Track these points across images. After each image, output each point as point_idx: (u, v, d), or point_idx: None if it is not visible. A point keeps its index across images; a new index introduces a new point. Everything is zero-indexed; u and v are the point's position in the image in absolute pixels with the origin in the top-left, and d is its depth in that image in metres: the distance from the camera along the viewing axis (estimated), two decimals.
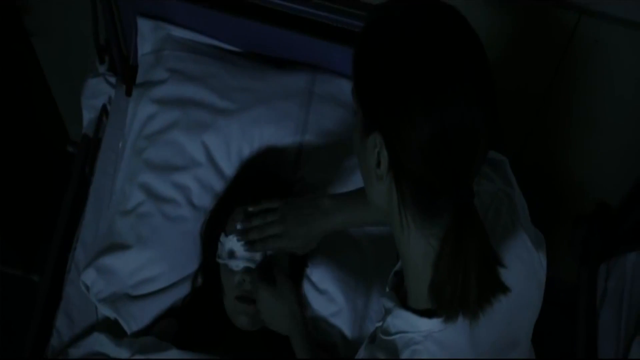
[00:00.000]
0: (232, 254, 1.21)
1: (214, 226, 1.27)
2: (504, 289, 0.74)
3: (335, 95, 1.41)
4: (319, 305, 1.27)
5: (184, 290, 1.30)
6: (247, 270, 1.20)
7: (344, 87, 1.42)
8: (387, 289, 0.87)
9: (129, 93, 1.47)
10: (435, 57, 0.71)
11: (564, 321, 1.60)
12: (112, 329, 1.28)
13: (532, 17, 1.32)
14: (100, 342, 1.25)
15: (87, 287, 1.31)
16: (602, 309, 1.50)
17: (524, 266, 0.83)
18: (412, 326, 0.77)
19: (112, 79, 1.56)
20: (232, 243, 1.21)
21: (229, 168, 1.35)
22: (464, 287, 0.72)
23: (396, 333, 0.78)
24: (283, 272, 1.18)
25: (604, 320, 1.48)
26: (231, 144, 1.35)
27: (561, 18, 1.30)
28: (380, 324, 0.83)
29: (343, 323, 1.27)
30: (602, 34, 1.31)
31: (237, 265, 1.20)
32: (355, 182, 1.32)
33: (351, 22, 1.34)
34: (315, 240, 1.14)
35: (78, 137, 1.97)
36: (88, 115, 1.59)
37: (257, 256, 1.20)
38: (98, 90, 1.56)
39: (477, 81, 0.72)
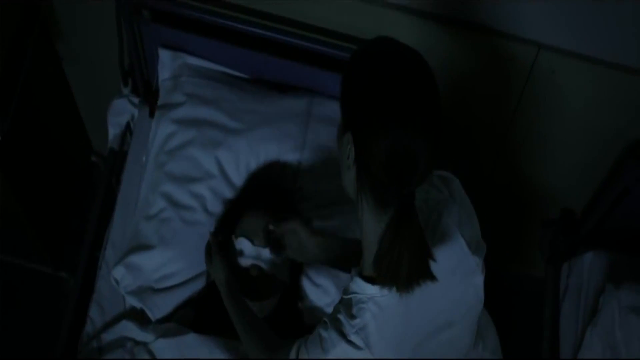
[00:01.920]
0: (241, 253, 1.41)
1: (226, 229, 1.47)
2: (431, 276, 0.95)
3: (330, 116, 1.59)
4: (315, 296, 1.48)
5: (199, 284, 1.49)
6: (253, 267, 1.40)
7: (337, 110, 1.61)
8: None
9: (152, 114, 1.67)
10: (397, 95, 0.92)
11: (533, 309, 1.82)
12: (138, 317, 1.48)
13: (496, 49, 1.51)
14: (128, 328, 1.45)
15: (117, 281, 1.50)
16: (564, 301, 1.70)
17: (456, 263, 1.04)
18: (361, 289, 1.00)
19: (135, 100, 1.76)
20: (241, 244, 1.41)
21: (238, 179, 1.54)
22: (397, 263, 0.93)
23: (351, 293, 1.01)
24: (218, 251, 1.35)
25: (566, 310, 1.68)
26: (240, 158, 1.54)
27: (522, 51, 1.50)
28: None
29: None
30: (559, 65, 1.50)
31: (246, 262, 1.40)
32: (343, 191, 1.51)
33: (342, 54, 1.54)
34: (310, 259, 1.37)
35: (100, 148, 2.18)
36: (113, 131, 1.78)
37: (263, 255, 1.40)
38: (122, 110, 1.76)
39: (427, 119, 0.93)
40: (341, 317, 1.00)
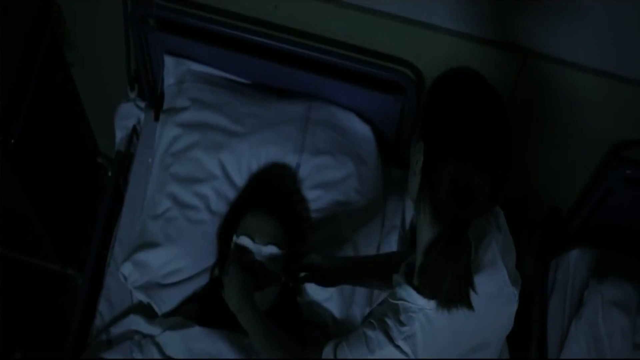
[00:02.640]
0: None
1: (227, 228, 1.54)
2: (468, 304, 1.00)
3: (328, 120, 1.67)
4: (313, 292, 1.55)
5: (203, 280, 1.57)
6: (254, 262, 1.46)
7: (335, 113, 1.69)
8: (400, 272, 1.12)
9: (157, 118, 1.74)
10: (472, 130, 0.97)
11: (521, 305, 1.88)
12: (145, 311, 1.55)
13: (487, 55, 1.59)
14: (136, 321, 1.53)
15: (125, 277, 1.58)
16: (551, 296, 1.77)
17: (496, 291, 1.09)
18: (411, 298, 1.03)
19: (141, 104, 1.83)
20: (243, 241, 1.47)
21: (240, 180, 1.62)
22: (440, 279, 0.98)
23: (399, 299, 1.05)
24: (235, 263, 1.38)
25: (552, 305, 1.75)
26: (242, 160, 1.62)
27: (510, 58, 1.57)
28: (387, 295, 1.09)
29: (333, 307, 1.55)
30: (547, 71, 1.57)
31: (247, 259, 1.47)
32: (340, 192, 1.59)
33: (339, 60, 1.61)
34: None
35: (106, 150, 2.25)
36: (120, 134, 1.86)
37: (263, 252, 1.47)
38: (129, 113, 1.83)
39: (495, 161, 0.97)
40: (389, 321, 1.03)
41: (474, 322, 1.05)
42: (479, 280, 1.01)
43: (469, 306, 1.00)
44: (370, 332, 1.04)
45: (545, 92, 1.63)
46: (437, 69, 1.69)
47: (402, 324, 1.03)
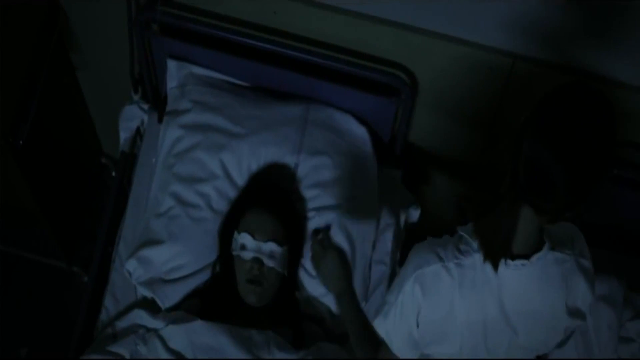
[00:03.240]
0: (243, 247, 1.54)
1: (228, 226, 1.60)
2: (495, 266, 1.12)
3: (325, 121, 1.73)
4: (311, 287, 1.61)
5: (205, 276, 1.62)
6: (255, 259, 1.53)
7: (332, 115, 1.75)
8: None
9: (160, 120, 1.80)
10: (565, 118, 1.02)
11: None
12: (149, 306, 1.60)
13: (479, 60, 1.65)
14: (140, 316, 1.58)
15: (130, 273, 1.63)
16: None
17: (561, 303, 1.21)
18: (470, 240, 1.16)
19: (145, 106, 1.89)
20: (243, 238, 1.54)
21: (241, 179, 1.67)
22: (496, 234, 1.09)
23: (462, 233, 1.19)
24: (332, 247, 1.55)
25: None
26: (242, 161, 1.67)
27: (500, 62, 1.62)
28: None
29: (330, 301, 1.60)
30: (534, 73, 1.63)
31: (248, 255, 1.53)
32: (337, 191, 1.64)
33: (335, 64, 1.67)
34: None
35: (110, 151, 2.30)
36: (124, 135, 1.91)
37: (263, 248, 1.53)
38: (133, 115, 1.89)
39: (580, 157, 1.01)
40: (451, 243, 1.17)
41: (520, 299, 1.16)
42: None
43: (495, 267, 1.11)
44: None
45: (534, 94, 1.68)
46: (431, 71, 1.75)
47: (459, 251, 1.14)
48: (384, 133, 1.79)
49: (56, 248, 2.14)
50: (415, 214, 1.79)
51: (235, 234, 1.55)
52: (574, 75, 1.61)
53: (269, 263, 1.52)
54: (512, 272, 1.14)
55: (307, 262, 1.62)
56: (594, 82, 1.61)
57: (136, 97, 1.90)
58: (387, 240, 1.70)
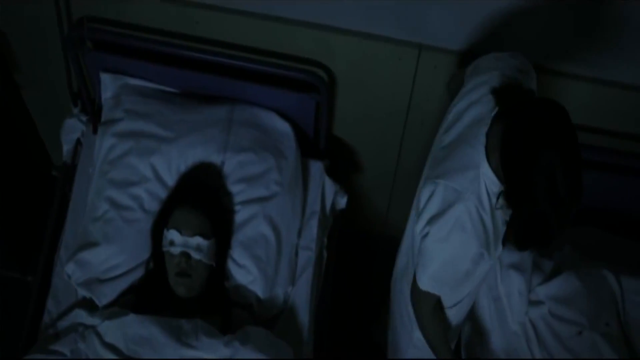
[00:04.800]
0: (172, 243, 1.62)
1: (159, 224, 1.68)
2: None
3: (250, 119, 1.82)
4: (239, 276, 1.69)
5: (140, 272, 1.70)
6: (182, 254, 1.61)
7: (257, 113, 1.84)
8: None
9: (95, 131, 1.89)
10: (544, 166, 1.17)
11: None
12: (88, 305, 1.68)
13: (388, 52, 1.74)
14: (79, 315, 1.66)
15: (69, 276, 1.71)
16: None
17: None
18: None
19: (84, 118, 1.97)
20: (171, 235, 1.62)
21: (171, 180, 1.76)
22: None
23: None
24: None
25: None
26: (172, 163, 1.76)
27: (407, 51, 1.72)
28: None
29: (257, 288, 1.68)
30: (439, 61, 1.73)
31: (176, 250, 1.61)
32: (262, 184, 1.72)
33: (257, 67, 1.77)
34: None
35: (60, 163, 2.37)
36: (66, 147, 1.99)
37: (190, 243, 1.61)
38: (73, 128, 1.97)
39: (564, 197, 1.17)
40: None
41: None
42: None
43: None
44: None
45: (440, 78, 1.77)
46: (347, 67, 1.85)
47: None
48: (307, 127, 1.88)
49: (10, 259, 2.21)
50: (342, 201, 1.88)
51: (165, 232, 1.63)
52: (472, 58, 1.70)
53: (196, 256, 1.60)
54: None
55: (235, 252, 1.70)
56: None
57: (76, 111, 1.99)
58: (313, 227, 1.79)
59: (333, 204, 1.86)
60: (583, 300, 1.68)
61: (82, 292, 1.70)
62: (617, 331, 1.67)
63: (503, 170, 1.25)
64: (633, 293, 1.73)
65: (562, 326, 1.66)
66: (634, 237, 1.92)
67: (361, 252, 2.29)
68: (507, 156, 1.23)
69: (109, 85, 1.88)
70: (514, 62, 1.42)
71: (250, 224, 1.71)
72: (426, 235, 1.34)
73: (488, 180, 1.30)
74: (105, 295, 1.68)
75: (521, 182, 1.20)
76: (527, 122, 1.21)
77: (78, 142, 1.96)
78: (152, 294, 1.66)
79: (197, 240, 1.61)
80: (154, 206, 1.73)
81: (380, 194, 2.16)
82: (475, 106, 1.36)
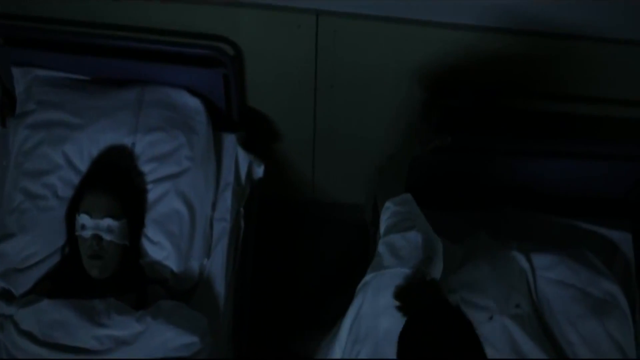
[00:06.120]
0: (83, 227, 1.62)
1: (72, 210, 1.68)
2: None
3: (161, 99, 1.82)
4: (153, 252, 1.69)
5: (55, 258, 1.70)
6: (93, 236, 1.61)
7: (167, 93, 1.84)
8: None
9: (3, 124, 1.88)
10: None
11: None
12: (6, 296, 1.68)
13: (291, 18, 1.73)
14: None
15: None
16: None
17: None
18: None
19: None
20: (82, 219, 1.62)
21: (83, 167, 1.76)
22: None
23: None
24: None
25: None
26: (83, 149, 1.76)
27: (305, 18, 1.72)
28: None
29: (172, 263, 1.69)
30: (338, 25, 1.73)
31: (87, 233, 1.61)
32: (173, 161, 1.73)
33: (166, 47, 1.78)
34: None
35: None
36: None
37: (100, 225, 1.61)
38: None
39: None
40: None
41: None
42: None
43: None
44: None
45: (343, 43, 1.76)
46: (252, 39, 1.85)
47: None
48: (219, 101, 1.88)
49: None
50: (259, 170, 1.88)
51: (77, 216, 1.64)
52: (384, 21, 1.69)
53: (108, 237, 1.61)
54: None
55: (149, 230, 1.70)
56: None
57: None
58: (227, 198, 1.79)
59: (249, 174, 1.86)
60: (492, 284, 1.64)
61: (0, 284, 1.70)
62: (529, 310, 1.64)
63: None
64: (543, 269, 1.70)
65: (474, 313, 1.62)
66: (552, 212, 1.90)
67: (289, 218, 2.27)
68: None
69: (20, 78, 1.88)
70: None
71: (163, 201, 1.72)
72: None
73: None
74: (22, 284, 1.68)
75: None
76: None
77: None
78: (67, 278, 1.66)
79: (108, 222, 1.61)
80: (67, 193, 1.74)
81: (303, 160, 2.17)
82: (384, 316, 1.33)
